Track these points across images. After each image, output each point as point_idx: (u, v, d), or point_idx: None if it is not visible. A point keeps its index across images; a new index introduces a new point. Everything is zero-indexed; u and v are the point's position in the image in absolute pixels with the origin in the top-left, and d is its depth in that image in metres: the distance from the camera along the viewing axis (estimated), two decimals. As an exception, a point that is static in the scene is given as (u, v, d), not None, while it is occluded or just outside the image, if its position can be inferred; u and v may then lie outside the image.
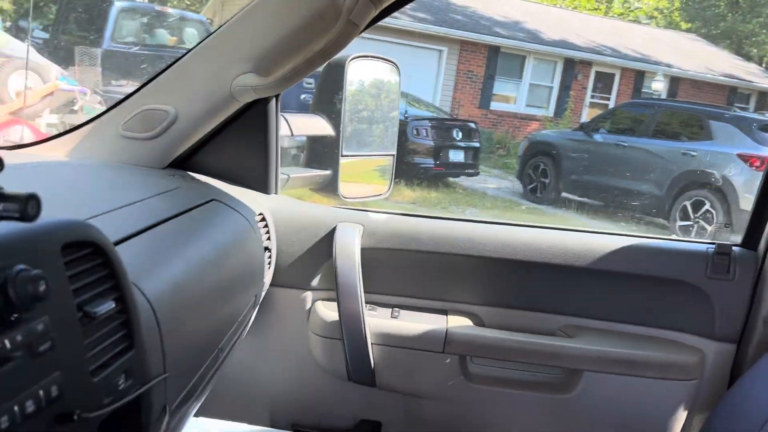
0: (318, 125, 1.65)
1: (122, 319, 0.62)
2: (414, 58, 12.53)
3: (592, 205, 8.61)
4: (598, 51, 13.93)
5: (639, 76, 14.09)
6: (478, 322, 1.34)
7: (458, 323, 1.31)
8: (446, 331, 1.29)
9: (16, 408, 0.47)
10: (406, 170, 9.00)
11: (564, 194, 8.99)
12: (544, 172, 9.30)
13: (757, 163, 6.84)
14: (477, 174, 9.82)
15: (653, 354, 1.27)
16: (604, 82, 14.19)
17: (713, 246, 1.27)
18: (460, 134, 9.55)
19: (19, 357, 0.48)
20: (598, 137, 9.23)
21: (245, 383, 1.38)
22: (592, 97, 14.11)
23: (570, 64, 13.77)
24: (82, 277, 0.57)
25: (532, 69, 13.74)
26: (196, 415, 1.31)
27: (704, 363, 1.27)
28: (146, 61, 7.58)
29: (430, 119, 9.65)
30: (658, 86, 13.00)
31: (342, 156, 1.54)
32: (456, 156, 9.48)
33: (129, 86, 7.15)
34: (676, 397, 1.28)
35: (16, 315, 0.47)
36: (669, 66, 13.72)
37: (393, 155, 1.78)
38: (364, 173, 1.82)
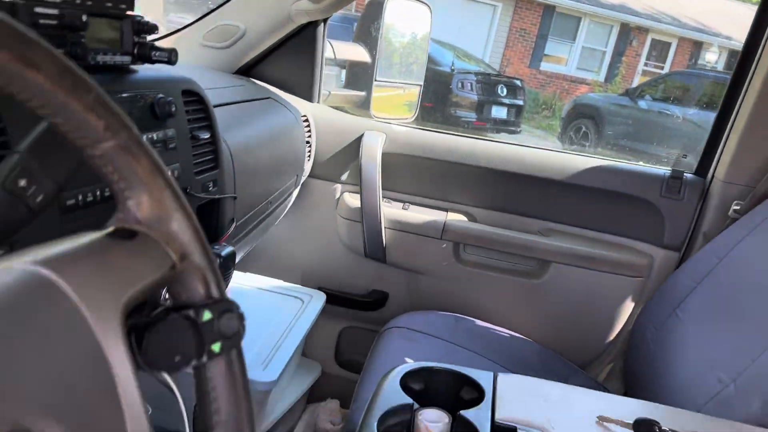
0: (358, 52, 1.96)
1: (212, 148, 0.96)
2: (468, 11, 12.54)
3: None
4: (657, 18, 13.64)
5: (696, 47, 13.79)
6: (472, 219, 1.65)
7: (455, 218, 1.63)
8: (445, 222, 1.61)
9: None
10: (447, 122, 9.20)
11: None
12: (586, 135, 9.36)
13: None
14: (518, 132, 9.86)
15: (610, 254, 1.57)
16: (659, 50, 13.93)
17: (669, 171, 1.55)
18: (505, 91, 9.54)
19: (159, 147, 0.81)
20: (642, 104, 9.23)
21: (284, 251, 1.73)
22: (646, 64, 13.88)
23: (626, 30, 13.54)
24: (191, 114, 0.91)
25: (587, 31, 13.57)
26: (243, 271, 1.67)
27: (652, 265, 1.57)
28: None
29: (476, 73, 9.66)
30: (712, 57, 12.75)
31: (375, 81, 1.84)
32: (499, 112, 9.52)
33: (189, 18, 7.48)
34: (625, 290, 1.58)
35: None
36: (729, 39, 13.38)
37: (420, 85, 2.08)
38: (395, 106, 2.12)
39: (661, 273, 1.55)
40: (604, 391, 1.47)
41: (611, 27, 13.57)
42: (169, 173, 0.44)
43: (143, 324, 0.44)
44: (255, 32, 1.49)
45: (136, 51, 0.79)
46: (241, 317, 0.47)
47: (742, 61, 1.46)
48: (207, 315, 0.45)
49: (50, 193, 0.51)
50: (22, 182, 0.49)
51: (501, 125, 9.59)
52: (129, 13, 0.78)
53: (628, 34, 13.55)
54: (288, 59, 1.61)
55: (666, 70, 13.63)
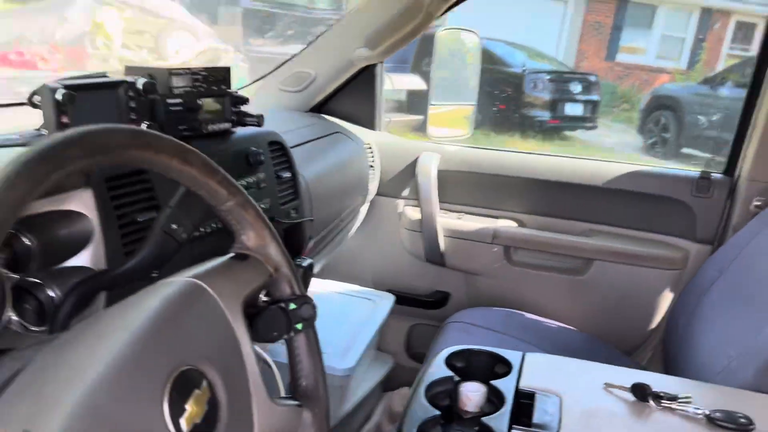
0: (415, 82, 2.22)
1: (293, 184, 1.23)
2: (538, 8, 12.53)
3: (715, 162, 8.45)
4: (741, -1, 13.10)
5: (786, 25, 13.12)
6: (521, 225, 1.86)
7: (505, 224, 1.85)
8: (495, 228, 1.83)
9: (253, 209, 1.08)
10: (521, 123, 9.27)
11: (684, 150, 8.86)
12: (665, 127, 9.18)
13: None
14: (595, 128, 9.76)
15: (648, 250, 1.74)
16: (744, 32, 13.35)
17: (699, 172, 1.71)
18: (579, 87, 9.47)
19: (253, 187, 1.09)
20: (724, 91, 8.96)
21: (358, 260, 2.00)
22: (730, 48, 13.33)
23: (707, 14, 13.09)
24: (276, 159, 1.19)
25: (665, 19, 13.21)
26: (323, 278, 1.95)
27: (688, 258, 1.72)
28: (282, 21, 8.31)
29: (548, 72, 9.64)
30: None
31: (431, 105, 2.08)
32: (573, 109, 9.45)
33: (265, 45, 7.97)
34: (664, 282, 1.74)
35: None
36: (821, 13, 12.68)
37: (473, 105, 2.30)
38: (454, 120, 2.35)
39: (695, 265, 1.70)
40: None
41: (690, 13, 13.16)
42: (267, 219, 0.71)
43: (255, 312, 0.71)
44: (323, 76, 1.78)
45: (234, 118, 1.07)
46: (314, 307, 0.73)
47: (760, 63, 1.60)
48: (292, 305, 0.71)
49: (191, 232, 0.79)
50: (174, 226, 0.77)
51: (577, 122, 9.55)
52: (228, 91, 1.06)
53: (709, 18, 13.08)
54: (352, 96, 1.88)
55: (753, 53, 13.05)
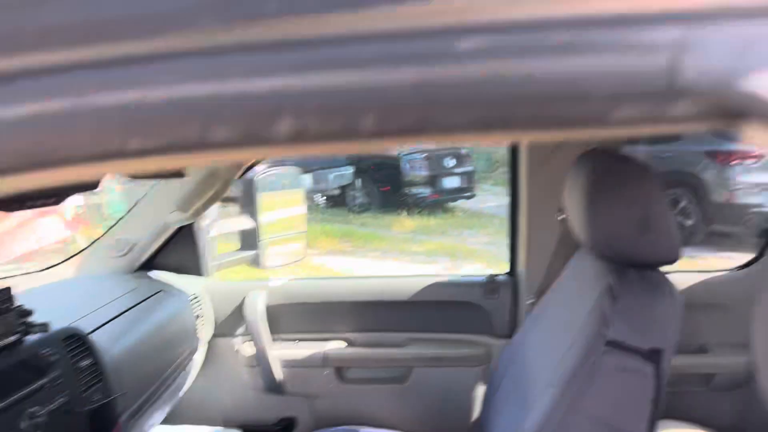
0: (244, 221, 2.40)
1: (94, 368, 1.35)
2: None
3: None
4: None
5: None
6: (350, 343, 2.05)
7: (334, 346, 2.02)
8: (324, 352, 2.00)
9: (50, 406, 1.19)
10: (404, 201, 9.75)
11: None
12: (536, 187, 9.86)
13: (723, 159, 7.34)
14: (473, 196, 10.39)
15: (455, 351, 1.96)
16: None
17: (485, 277, 1.97)
18: (453, 161, 10.12)
19: (46, 388, 1.21)
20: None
21: (204, 401, 2.10)
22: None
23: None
24: (73, 350, 1.31)
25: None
26: (173, 424, 2.04)
27: (490, 353, 1.96)
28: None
29: (422, 152, 10.22)
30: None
31: (259, 240, 2.27)
32: (451, 182, 10.07)
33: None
34: (473, 378, 1.96)
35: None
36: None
37: (304, 232, 2.51)
38: (289, 244, 2.54)
39: (498, 358, 1.94)
40: None
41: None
42: None
43: None
44: (144, 240, 1.93)
45: (21, 329, 1.20)
46: None
47: (513, 173, 1.91)
48: None
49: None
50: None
51: (455, 193, 10.16)
52: (11, 308, 1.19)
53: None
54: (178, 249, 2.04)
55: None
